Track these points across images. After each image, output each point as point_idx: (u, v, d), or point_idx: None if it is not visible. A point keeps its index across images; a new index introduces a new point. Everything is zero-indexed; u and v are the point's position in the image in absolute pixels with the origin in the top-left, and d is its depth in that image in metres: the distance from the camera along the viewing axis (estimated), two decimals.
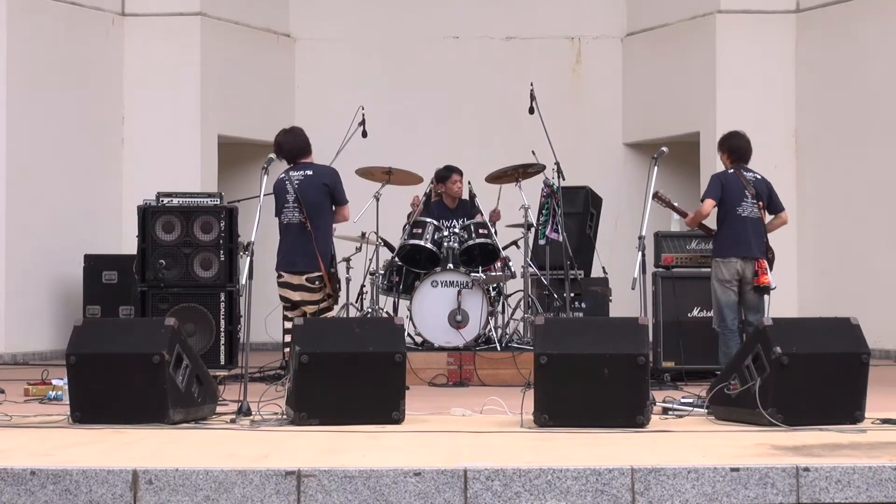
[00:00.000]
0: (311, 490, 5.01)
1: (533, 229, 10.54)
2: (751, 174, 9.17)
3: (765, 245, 9.09)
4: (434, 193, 10.81)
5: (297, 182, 8.75)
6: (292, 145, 8.95)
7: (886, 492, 5.07)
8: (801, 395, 6.43)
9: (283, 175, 8.92)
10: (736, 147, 9.23)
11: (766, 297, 9.06)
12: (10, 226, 12.35)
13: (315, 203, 8.74)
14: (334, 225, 9.09)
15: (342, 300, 10.65)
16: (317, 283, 8.74)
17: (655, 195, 9.35)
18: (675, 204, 9.55)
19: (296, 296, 8.87)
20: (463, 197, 10.83)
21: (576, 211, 12.07)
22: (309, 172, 8.80)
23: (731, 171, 9.15)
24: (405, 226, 10.47)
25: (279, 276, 8.92)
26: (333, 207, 8.93)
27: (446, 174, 10.82)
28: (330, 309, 9.02)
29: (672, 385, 8.97)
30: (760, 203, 9.06)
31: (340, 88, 14.56)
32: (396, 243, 10.45)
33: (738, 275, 8.98)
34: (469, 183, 10.83)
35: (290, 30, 15.04)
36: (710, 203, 9.06)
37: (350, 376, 6.60)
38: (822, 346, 6.60)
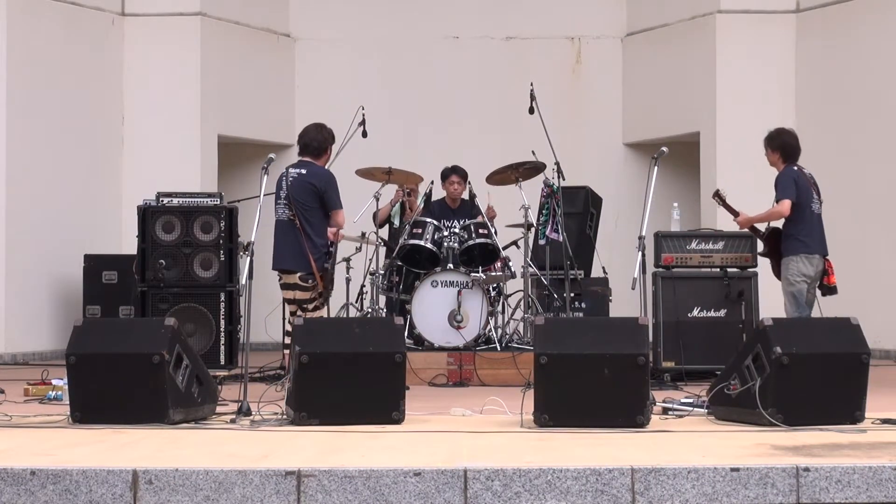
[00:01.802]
0: (311, 490, 5.01)
1: (533, 229, 10.54)
2: (808, 172, 9.10)
3: None
4: (411, 190, 10.83)
5: (290, 179, 8.71)
6: (309, 138, 8.81)
7: (886, 492, 5.07)
8: (801, 395, 6.43)
9: (283, 171, 8.87)
10: (788, 144, 9.08)
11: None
12: (10, 226, 12.34)
13: (303, 202, 8.65)
14: (336, 229, 8.89)
15: (342, 300, 10.66)
16: (309, 281, 8.68)
17: (716, 193, 9.25)
18: (730, 204, 9.41)
19: (292, 294, 8.83)
20: (463, 197, 10.86)
21: (576, 211, 12.07)
22: (303, 171, 8.74)
23: (796, 168, 9.02)
24: (374, 213, 10.42)
25: (279, 278, 8.90)
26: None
27: (447, 174, 10.87)
28: (319, 308, 8.92)
29: (672, 385, 8.97)
30: (821, 201, 9.03)
31: (340, 88, 14.56)
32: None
33: (818, 273, 8.93)
34: (469, 183, 10.83)
35: (290, 30, 15.04)
36: (788, 203, 8.88)
37: (350, 376, 6.60)
38: (822, 346, 6.60)
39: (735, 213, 9.37)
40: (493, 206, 10.64)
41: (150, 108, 13.69)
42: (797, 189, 8.91)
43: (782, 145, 9.10)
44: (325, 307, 8.99)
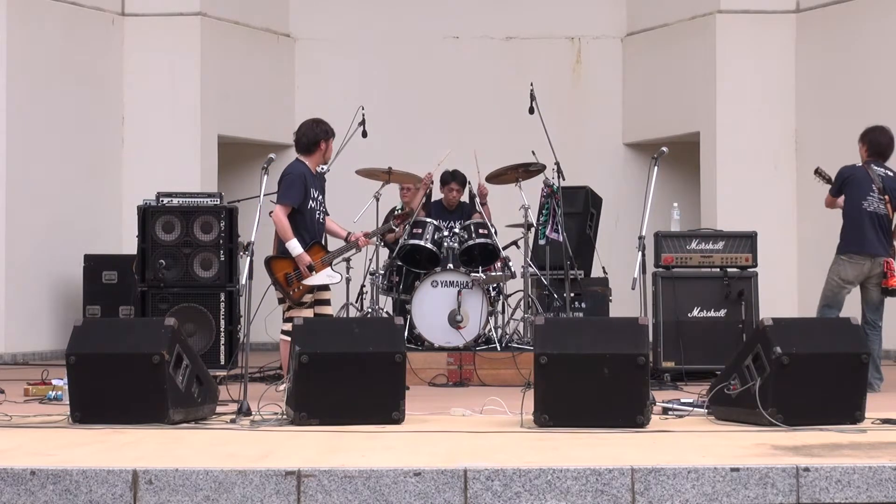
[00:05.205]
0: (311, 490, 5.01)
1: (533, 229, 10.54)
2: (882, 170, 8.99)
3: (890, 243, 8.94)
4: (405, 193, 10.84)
5: None
6: (299, 134, 8.52)
7: (886, 492, 5.07)
8: (801, 395, 6.43)
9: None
10: (876, 141, 9.02)
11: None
12: (10, 226, 12.35)
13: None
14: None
15: (342, 300, 10.65)
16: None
17: (817, 170, 9.24)
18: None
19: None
20: (463, 200, 10.85)
21: (576, 211, 12.07)
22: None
23: (860, 165, 8.97)
24: (391, 210, 10.30)
25: None
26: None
27: (447, 180, 10.84)
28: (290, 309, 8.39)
29: (672, 385, 8.97)
30: (887, 197, 8.88)
31: (340, 88, 14.56)
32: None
33: (864, 276, 8.86)
34: (469, 183, 10.82)
35: (290, 30, 15.04)
36: (828, 198, 9.06)
37: (350, 376, 6.60)
38: (822, 346, 6.60)
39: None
40: (484, 184, 10.45)
41: (150, 108, 13.69)
42: (846, 184, 8.88)
43: (870, 141, 9.04)
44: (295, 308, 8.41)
